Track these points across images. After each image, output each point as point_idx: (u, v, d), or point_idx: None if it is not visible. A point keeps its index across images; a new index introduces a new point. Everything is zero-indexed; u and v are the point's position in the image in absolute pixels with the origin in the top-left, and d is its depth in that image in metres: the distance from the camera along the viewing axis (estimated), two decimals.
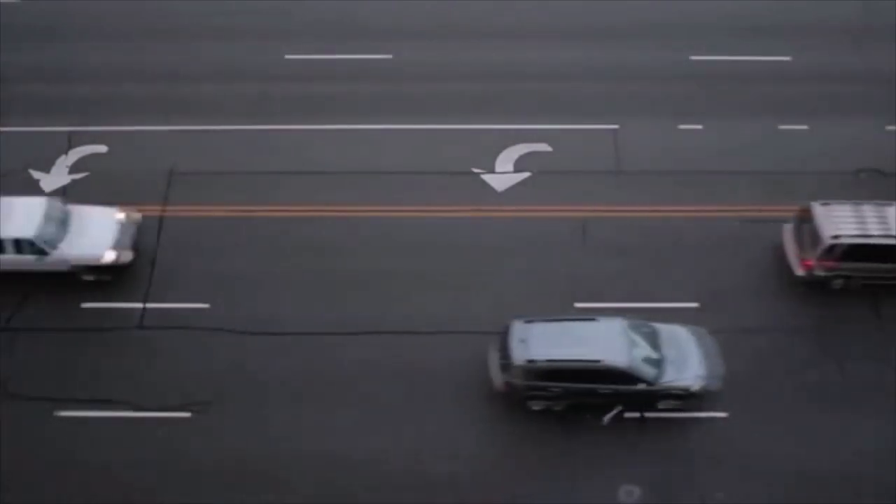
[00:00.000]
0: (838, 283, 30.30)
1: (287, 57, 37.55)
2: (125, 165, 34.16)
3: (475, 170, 33.99)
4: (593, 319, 28.24)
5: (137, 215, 31.73)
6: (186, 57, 37.56)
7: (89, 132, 35.12)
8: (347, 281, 31.16)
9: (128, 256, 30.68)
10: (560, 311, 30.07)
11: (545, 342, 27.61)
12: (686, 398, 27.91)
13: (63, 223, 30.73)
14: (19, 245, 30.07)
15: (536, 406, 28.11)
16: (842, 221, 29.89)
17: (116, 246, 30.64)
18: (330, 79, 36.79)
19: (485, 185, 33.63)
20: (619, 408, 28.26)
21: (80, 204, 31.58)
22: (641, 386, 27.47)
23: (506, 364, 27.73)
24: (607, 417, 28.24)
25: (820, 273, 30.09)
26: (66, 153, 34.52)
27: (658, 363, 27.81)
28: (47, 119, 35.41)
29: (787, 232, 31.11)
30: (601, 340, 27.60)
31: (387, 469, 27.45)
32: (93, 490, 27.09)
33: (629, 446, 27.79)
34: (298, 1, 39.54)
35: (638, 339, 27.99)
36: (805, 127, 35.06)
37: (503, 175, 33.84)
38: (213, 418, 28.40)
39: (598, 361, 27.21)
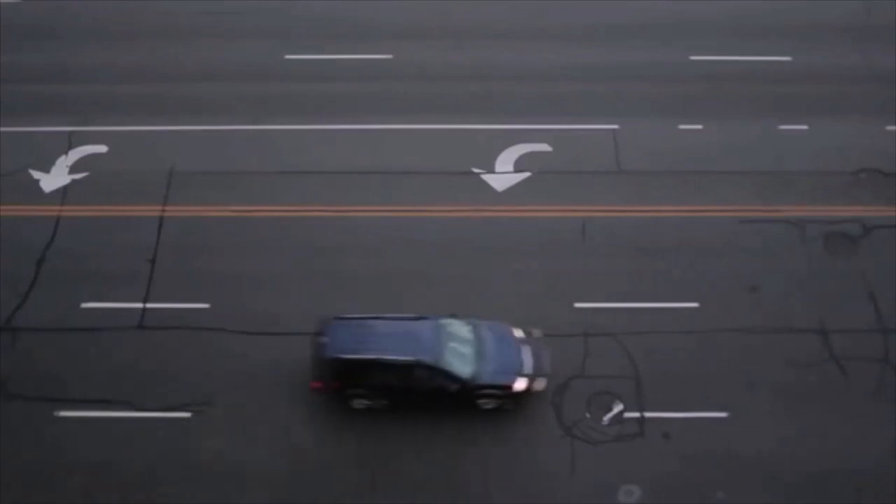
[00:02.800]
0: None
1: (287, 57, 37.53)
2: (125, 165, 34.16)
3: (475, 170, 33.99)
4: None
5: None
6: (186, 57, 37.54)
7: (89, 132, 35.11)
8: (347, 281, 31.17)
9: None
10: (560, 310, 30.11)
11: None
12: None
13: None
14: None
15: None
16: None
17: None
18: (330, 79, 36.77)
19: (485, 185, 33.63)
20: (620, 407, 28.27)
21: None
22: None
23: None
24: (607, 417, 28.26)
25: None
26: (66, 153, 34.52)
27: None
28: (47, 119, 35.39)
29: None
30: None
31: (386, 469, 27.45)
32: (93, 490, 27.11)
33: (629, 446, 27.80)
34: (298, 1, 39.52)
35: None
36: (805, 127, 35.06)
37: (503, 175, 33.84)
38: (213, 418, 28.41)
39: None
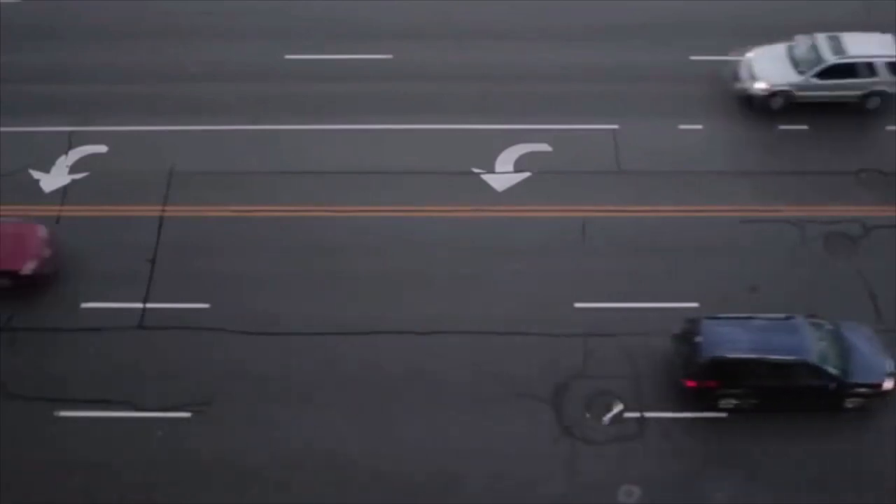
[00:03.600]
0: None
1: (287, 57, 37.54)
2: (125, 165, 34.16)
3: (475, 170, 33.99)
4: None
5: None
6: (187, 57, 37.55)
7: (89, 132, 35.12)
8: (347, 281, 31.18)
9: None
10: (560, 310, 30.12)
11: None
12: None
13: None
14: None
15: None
16: None
17: None
18: (330, 79, 36.78)
19: (485, 185, 33.64)
20: (620, 407, 28.28)
21: None
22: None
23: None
24: (607, 417, 28.26)
25: None
26: (66, 153, 34.52)
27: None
28: (47, 119, 35.39)
29: None
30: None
31: (386, 469, 27.47)
32: (93, 490, 27.11)
33: (629, 446, 27.80)
34: (298, 1, 39.54)
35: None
36: (804, 127, 35.06)
37: (503, 175, 33.84)
38: (213, 418, 28.40)
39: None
